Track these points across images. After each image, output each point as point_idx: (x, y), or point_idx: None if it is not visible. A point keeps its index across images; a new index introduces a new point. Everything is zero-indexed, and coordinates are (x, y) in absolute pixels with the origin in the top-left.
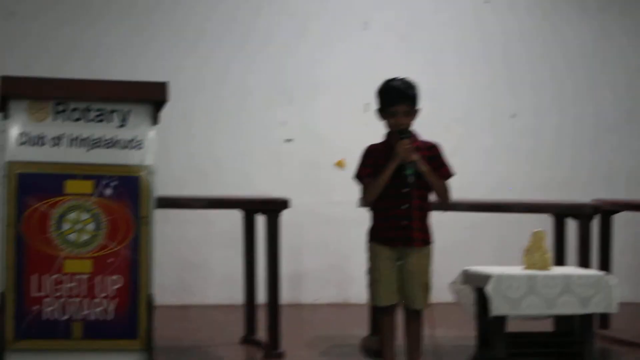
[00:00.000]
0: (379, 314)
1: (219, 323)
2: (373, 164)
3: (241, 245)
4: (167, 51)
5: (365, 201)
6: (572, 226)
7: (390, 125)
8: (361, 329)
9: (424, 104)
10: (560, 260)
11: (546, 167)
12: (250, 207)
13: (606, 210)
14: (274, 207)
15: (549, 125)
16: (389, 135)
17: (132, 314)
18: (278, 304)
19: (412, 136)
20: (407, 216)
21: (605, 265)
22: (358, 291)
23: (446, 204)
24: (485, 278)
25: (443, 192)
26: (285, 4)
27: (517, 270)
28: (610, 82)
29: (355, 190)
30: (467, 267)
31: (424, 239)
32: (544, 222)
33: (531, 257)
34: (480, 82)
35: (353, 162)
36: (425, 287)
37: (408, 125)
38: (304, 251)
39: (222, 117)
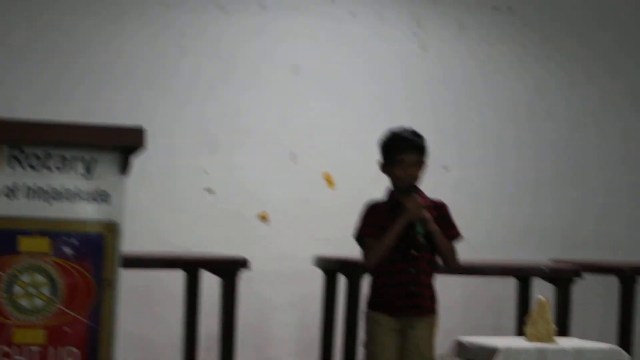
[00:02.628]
0: None
1: None
2: (376, 224)
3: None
4: (94, 93)
5: (368, 264)
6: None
7: (397, 177)
8: None
9: (352, 156)
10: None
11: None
12: (207, 266)
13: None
14: (231, 267)
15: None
16: (392, 193)
17: None
18: None
19: (419, 192)
20: (415, 282)
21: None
22: (277, 355)
23: (452, 269)
24: (489, 352)
25: (451, 256)
26: (211, 44)
27: (523, 342)
28: (541, 136)
29: (277, 245)
30: (459, 338)
31: (432, 307)
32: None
33: (535, 327)
34: None
35: (277, 214)
36: None
37: (417, 178)
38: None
39: (145, 166)
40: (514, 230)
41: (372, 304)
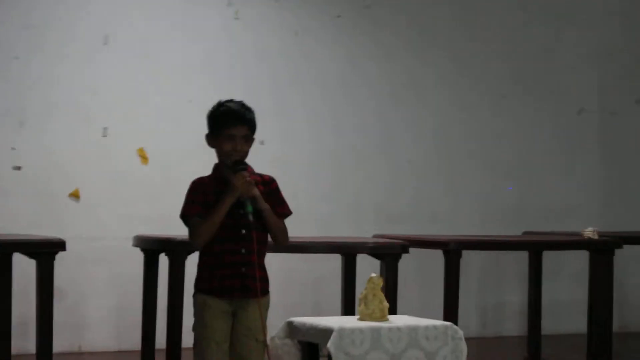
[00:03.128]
0: None
1: None
2: (202, 201)
3: None
4: None
5: (195, 244)
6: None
7: (224, 152)
8: None
9: (166, 130)
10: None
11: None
12: (21, 249)
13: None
14: (47, 249)
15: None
16: (219, 168)
17: None
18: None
19: (248, 168)
20: (246, 262)
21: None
22: (92, 338)
23: (283, 247)
24: (323, 332)
25: (282, 234)
26: (23, 14)
27: (356, 322)
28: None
29: (90, 224)
30: (290, 318)
31: (264, 288)
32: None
33: (368, 306)
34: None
35: (88, 192)
36: (263, 346)
37: (246, 153)
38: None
39: None
40: (334, 206)
41: (201, 286)
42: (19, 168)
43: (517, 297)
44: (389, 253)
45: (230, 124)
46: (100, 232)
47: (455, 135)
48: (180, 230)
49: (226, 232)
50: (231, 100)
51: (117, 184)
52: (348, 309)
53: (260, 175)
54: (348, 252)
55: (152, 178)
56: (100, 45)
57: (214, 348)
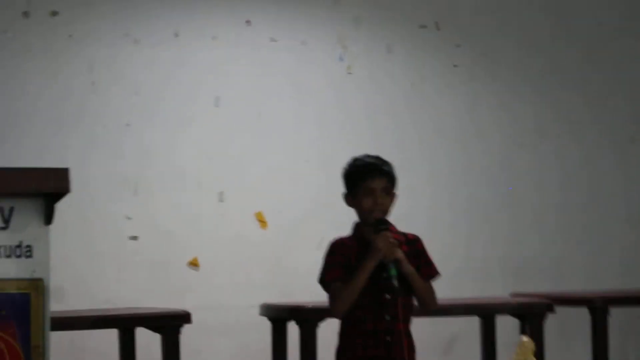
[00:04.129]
0: None
1: None
2: (343, 264)
3: None
4: None
5: (336, 311)
6: None
7: (365, 208)
8: None
9: (283, 191)
10: None
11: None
12: (145, 323)
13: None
14: (172, 323)
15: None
16: (359, 228)
17: None
18: None
19: (390, 227)
20: (390, 330)
21: None
22: None
23: (430, 311)
24: None
25: (430, 298)
26: (124, 78)
27: None
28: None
29: (210, 293)
30: None
31: (410, 358)
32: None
33: None
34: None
35: (207, 260)
36: None
37: (387, 209)
38: None
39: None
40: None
41: (343, 357)
42: (135, 238)
43: None
44: (534, 313)
45: (368, 177)
46: (221, 300)
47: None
48: (305, 297)
49: (368, 298)
50: (366, 155)
51: (236, 250)
52: None
53: (404, 234)
54: (487, 313)
55: (272, 242)
56: (211, 107)
57: None
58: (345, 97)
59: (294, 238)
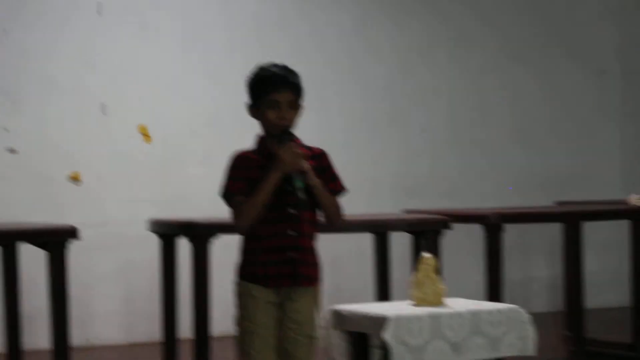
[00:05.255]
0: None
1: None
2: (246, 178)
3: None
4: None
5: (239, 226)
6: None
7: (269, 120)
8: None
9: (169, 104)
10: None
11: None
12: (30, 239)
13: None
14: (58, 239)
15: None
16: (262, 140)
17: None
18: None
19: (295, 139)
20: (295, 246)
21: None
22: (100, 331)
23: (336, 227)
24: (375, 321)
25: (335, 213)
26: None
27: (410, 308)
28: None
29: (93, 209)
30: (336, 306)
31: (315, 275)
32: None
33: (421, 289)
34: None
35: (89, 173)
36: (312, 341)
37: (292, 122)
38: (35, 285)
39: None
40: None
41: (244, 274)
42: (14, 151)
43: (544, 271)
44: (429, 230)
45: (273, 89)
46: (104, 217)
47: (469, 101)
48: (190, 213)
49: (272, 212)
50: (273, 64)
51: (120, 165)
52: (382, 293)
53: (310, 148)
54: (382, 229)
55: (156, 157)
56: (93, 14)
57: (259, 343)
58: (231, 9)
59: (178, 153)
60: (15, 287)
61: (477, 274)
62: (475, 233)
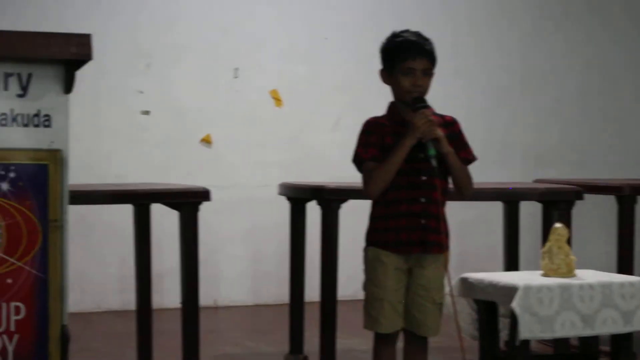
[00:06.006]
0: (379, 344)
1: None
2: (378, 144)
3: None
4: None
5: (370, 192)
6: None
7: (403, 87)
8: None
9: (301, 70)
10: None
11: None
12: (164, 200)
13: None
14: (191, 200)
15: None
16: (395, 107)
17: (40, 354)
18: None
19: (428, 107)
20: (425, 213)
21: None
22: (227, 292)
23: (466, 196)
24: (504, 290)
25: (466, 181)
26: None
27: (540, 278)
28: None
29: (223, 172)
30: (464, 274)
31: (445, 243)
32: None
33: (552, 260)
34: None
35: (221, 137)
36: (439, 308)
37: (426, 89)
38: (164, 246)
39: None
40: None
41: (374, 240)
42: (147, 112)
43: None
44: (562, 200)
45: (408, 56)
46: (234, 180)
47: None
48: (319, 178)
49: (404, 179)
50: (407, 31)
51: (250, 128)
52: (512, 262)
53: (442, 116)
54: (512, 199)
55: (287, 122)
56: None
57: (387, 309)
58: None
59: (309, 118)
60: (148, 247)
61: (605, 245)
62: (604, 204)
